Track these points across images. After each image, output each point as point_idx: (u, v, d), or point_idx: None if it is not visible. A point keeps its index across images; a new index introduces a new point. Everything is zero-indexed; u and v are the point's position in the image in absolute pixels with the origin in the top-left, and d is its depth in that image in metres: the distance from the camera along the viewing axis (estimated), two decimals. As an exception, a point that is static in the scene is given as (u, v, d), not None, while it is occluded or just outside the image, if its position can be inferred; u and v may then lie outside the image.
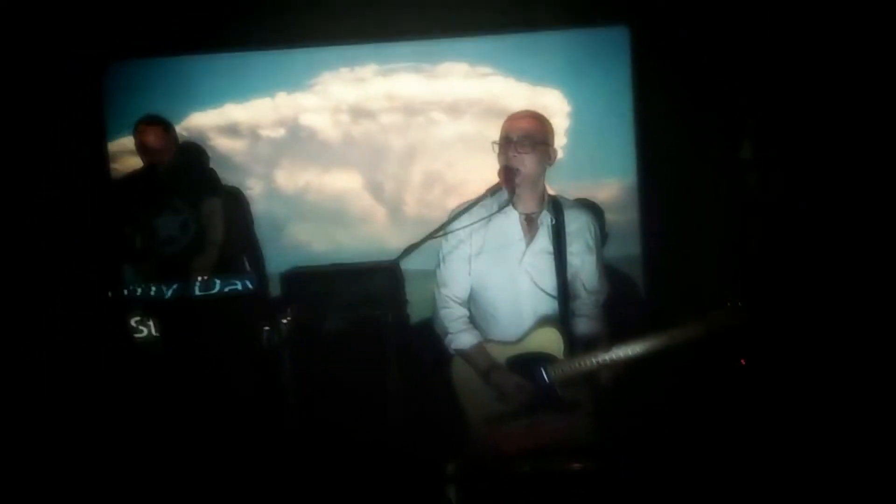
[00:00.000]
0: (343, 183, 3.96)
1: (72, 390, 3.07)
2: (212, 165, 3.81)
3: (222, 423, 3.09)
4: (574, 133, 3.91)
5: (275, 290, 3.64)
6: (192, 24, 3.69)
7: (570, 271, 2.36)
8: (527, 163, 2.27)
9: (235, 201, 3.84)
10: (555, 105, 3.87)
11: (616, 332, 2.39)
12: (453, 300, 2.39)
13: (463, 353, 2.36)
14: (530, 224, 2.36)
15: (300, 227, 3.96)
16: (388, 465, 2.71)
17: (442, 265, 2.42)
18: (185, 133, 3.70)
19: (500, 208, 2.30)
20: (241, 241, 3.71)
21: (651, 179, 4.00)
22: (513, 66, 3.89)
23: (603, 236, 2.57)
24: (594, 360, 2.25)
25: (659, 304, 3.84)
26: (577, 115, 3.93)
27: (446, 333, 2.38)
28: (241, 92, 3.91)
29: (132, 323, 2.96)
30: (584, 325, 2.41)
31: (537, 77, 3.89)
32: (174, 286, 2.94)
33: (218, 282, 3.00)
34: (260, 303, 3.65)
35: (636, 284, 3.84)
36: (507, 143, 2.29)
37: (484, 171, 2.37)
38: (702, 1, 3.73)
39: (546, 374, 2.29)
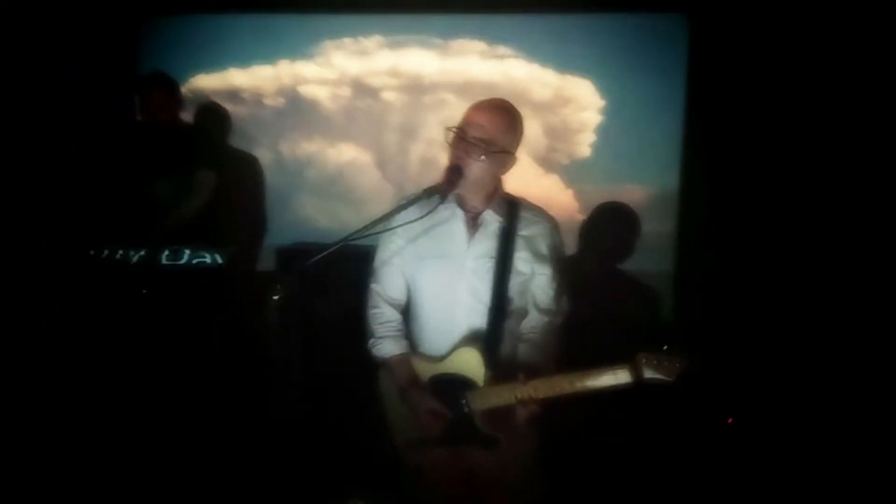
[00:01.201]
0: (349, 158, 3.73)
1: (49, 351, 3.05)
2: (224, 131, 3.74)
3: (200, 395, 3.02)
4: (605, 130, 3.54)
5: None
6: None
7: (515, 281, 2.04)
8: (475, 169, 1.97)
9: (242, 170, 3.72)
10: (585, 97, 3.50)
11: (565, 361, 2.06)
12: (385, 300, 2.13)
13: (385, 363, 2.11)
14: (475, 224, 2.06)
15: (304, 201, 3.77)
16: (373, 457, 2.46)
17: (378, 260, 2.15)
18: (190, 95, 3.57)
19: (438, 205, 1.97)
20: (241, 213, 3.59)
21: (695, 188, 3.54)
22: (537, 49, 3.50)
23: (560, 254, 2.20)
24: (514, 394, 1.91)
25: (687, 327, 3.45)
26: (610, 111, 3.53)
27: (371, 336, 2.13)
28: (244, 57, 3.71)
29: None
30: (523, 349, 2.07)
31: (565, 64, 3.49)
32: (140, 252, 2.88)
33: (187, 252, 2.92)
34: (252, 277, 3.59)
35: (659, 303, 3.45)
36: (460, 139, 1.97)
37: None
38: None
39: (466, 402, 2.00)
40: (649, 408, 2.44)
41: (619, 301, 3.34)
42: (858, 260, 3.16)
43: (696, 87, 3.48)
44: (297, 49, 3.66)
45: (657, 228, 3.49)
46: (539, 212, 2.13)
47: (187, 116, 3.51)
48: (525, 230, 2.06)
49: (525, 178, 3.49)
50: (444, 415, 2.01)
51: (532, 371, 1.96)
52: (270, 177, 3.74)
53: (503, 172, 2.06)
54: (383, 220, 1.99)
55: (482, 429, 2.00)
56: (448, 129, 1.99)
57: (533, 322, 2.10)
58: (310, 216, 3.73)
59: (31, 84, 3.36)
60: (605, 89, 3.52)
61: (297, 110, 3.74)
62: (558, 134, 3.57)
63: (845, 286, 3.12)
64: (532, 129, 3.54)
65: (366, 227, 1.95)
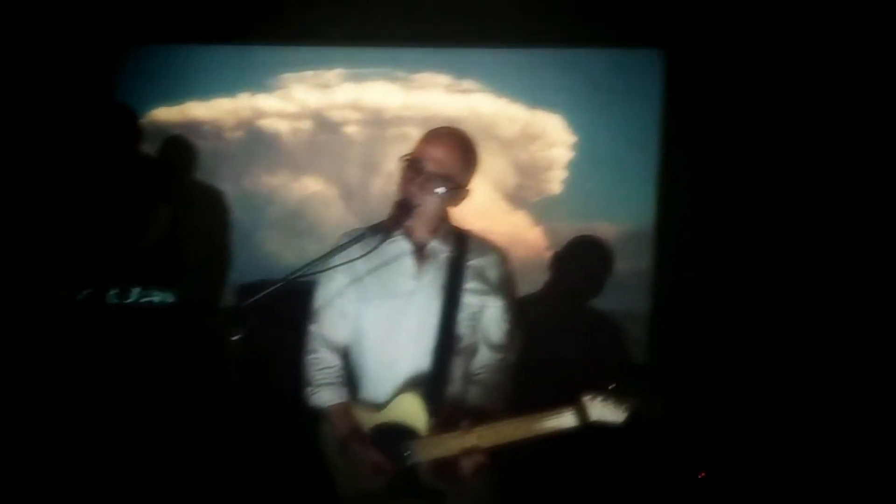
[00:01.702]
0: (312, 191, 3.63)
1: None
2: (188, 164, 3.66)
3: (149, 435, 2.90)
4: (576, 166, 3.44)
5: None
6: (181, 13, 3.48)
7: (465, 315, 1.95)
8: (429, 204, 1.90)
9: (205, 205, 3.64)
10: (555, 133, 3.41)
11: (520, 402, 1.94)
12: (325, 344, 2.01)
13: (325, 413, 1.99)
14: (422, 256, 1.97)
15: (267, 235, 3.62)
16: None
17: (318, 300, 2.03)
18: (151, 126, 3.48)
19: (383, 242, 1.87)
20: (202, 248, 3.52)
21: (670, 225, 3.44)
22: (505, 83, 3.41)
23: (511, 286, 2.11)
24: (459, 444, 1.80)
25: (661, 369, 3.34)
26: (581, 147, 3.44)
27: (308, 384, 2.00)
28: (203, 89, 3.61)
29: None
30: (473, 391, 1.96)
31: (535, 98, 3.41)
32: (87, 291, 2.77)
33: (136, 291, 2.81)
34: (215, 313, 3.47)
35: (626, 343, 3.34)
36: (415, 171, 1.89)
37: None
38: (757, 25, 3.19)
39: (409, 453, 1.87)
40: (602, 450, 2.33)
41: (586, 338, 3.27)
42: (839, 302, 3.08)
43: (672, 122, 3.40)
44: (257, 81, 3.58)
45: (630, 267, 3.38)
46: (487, 242, 2.06)
47: (149, 148, 3.44)
48: (474, 260, 1.99)
49: (492, 215, 3.43)
50: (386, 468, 1.88)
51: (479, 416, 1.86)
52: (233, 211, 3.63)
53: (455, 205, 1.99)
54: (325, 259, 1.87)
55: (427, 482, 1.87)
56: (402, 158, 1.93)
57: (483, 360, 2.01)
58: (274, 251, 3.60)
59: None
60: (576, 125, 3.43)
61: (257, 144, 3.65)
62: (527, 170, 3.49)
63: (828, 328, 3.04)
64: (499, 165, 3.46)
65: (307, 266, 1.83)
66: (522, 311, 2.74)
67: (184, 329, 3.03)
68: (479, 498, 1.97)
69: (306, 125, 3.59)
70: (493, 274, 2.00)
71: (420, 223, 1.95)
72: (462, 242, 2.00)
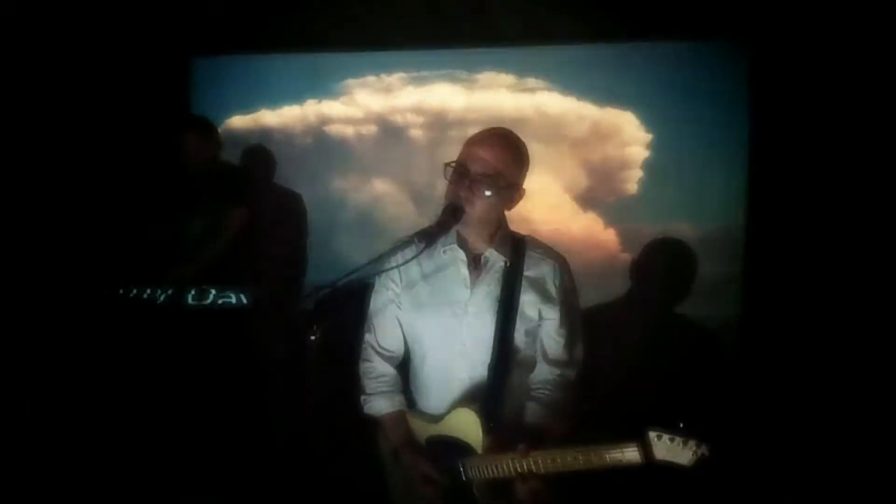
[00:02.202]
0: (380, 194, 3.67)
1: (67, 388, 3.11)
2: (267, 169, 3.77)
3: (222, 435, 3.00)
4: (652, 165, 3.30)
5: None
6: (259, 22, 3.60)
7: (522, 329, 1.86)
8: (478, 206, 1.80)
9: (283, 208, 3.75)
10: (629, 131, 3.27)
11: (589, 428, 1.80)
12: (378, 352, 1.97)
13: (378, 421, 1.96)
14: (477, 266, 1.88)
15: (341, 238, 3.70)
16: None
17: (372, 308, 1.98)
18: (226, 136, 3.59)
19: (433, 245, 1.82)
20: (278, 251, 3.59)
21: (762, 225, 3.23)
22: (572, 80, 3.30)
23: (572, 296, 1.97)
24: (514, 466, 1.71)
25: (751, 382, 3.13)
26: (657, 144, 3.29)
27: (362, 392, 1.98)
28: (272, 98, 3.74)
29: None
30: (531, 409, 1.86)
31: (606, 96, 3.28)
32: (168, 292, 2.89)
33: (213, 293, 2.91)
34: (289, 316, 3.54)
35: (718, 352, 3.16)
36: (461, 176, 1.80)
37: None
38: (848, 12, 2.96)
39: (463, 470, 1.82)
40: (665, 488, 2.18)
41: (673, 350, 3.09)
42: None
43: (761, 116, 3.20)
44: (323, 88, 3.66)
45: (714, 271, 3.17)
46: (546, 250, 1.95)
47: (229, 156, 3.57)
48: (531, 270, 1.89)
49: (562, 217, 3.34)
50: (439, 481, 1.83)
51: (536, 437, 1.77)
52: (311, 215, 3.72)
53: (510, 207, 1.89)
54: (376, 263, 1.82)
55: (481, 499, 1.81)
56: (446, 164, 1.84)
57: (542, 375, 1.91)
58: (347, 253, 3.66)
59: (72, 119, 3.47)
60: (651, 122, 3.29)
61: (326, 149, 3.72)
62: (599, 170, 3.38)
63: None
64: (568, 165, 3.37)
65: (359, 270, 1.78)
66: (599, 320, 2.65)
67: (259, 330, 3.11)
68: None
69: (372, 129, 3.64)
70: (551, 285, 1.90)
71: (474, 231, 1.88)
72: (520, 251, 1.90)
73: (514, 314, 1.85)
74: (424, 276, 1.90)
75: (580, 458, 1.66)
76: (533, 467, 1.70)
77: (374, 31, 3.42)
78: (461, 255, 1.88)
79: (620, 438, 1.62)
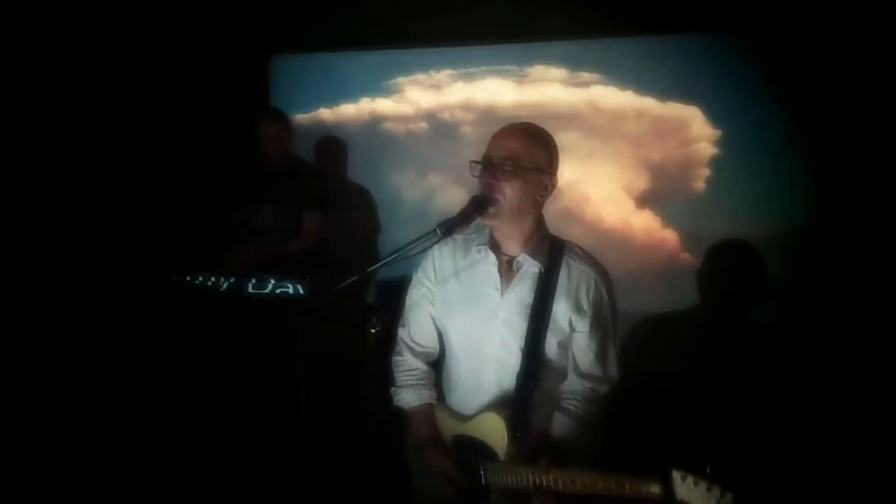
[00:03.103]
0: (436, 188, 3.71)
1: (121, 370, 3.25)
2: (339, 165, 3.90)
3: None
4: (718, 162, 3.15)
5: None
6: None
7: (554, 340, 1.82)
8: (506, 191, 1.75)
9: (357, 205, 3.87)
10: (694, 127, 3.12)
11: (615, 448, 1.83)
12: (409, 347, 2.01)
13: (407, 413, 2.00)
14: (510, 269, 1.85)
15: (398, 232, 3.70)
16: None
17: (406, 303, 2.03)
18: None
19: (450, 235, 1.77)
20: (348, 245, 3.70)
21: (832, 227, 3.02)
22: (631, 73, 3.19)
23: (608, 309, 1.89)
24: (533, 479, 1.71)
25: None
26: (727, 141, 3.13)
27: (392, 385, 2.03)
28: (329, 96, 3.85)
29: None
30: (558, 421, 1.83)
31: (666, 89, 3.14)
32: (231, 280, 3.02)
33: (272, 282, 3.02)
34: (356, 307, 3.63)
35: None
36: (486, 166, 1.79)
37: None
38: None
39: (483, 474, 1.83)
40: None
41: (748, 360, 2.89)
42: None
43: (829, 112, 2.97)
44: (375, 85, 3.75)
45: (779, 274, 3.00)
46: (586, 259, 1.88)
47: (302, 150, 3.71)
48: (566, 279, 1.83)
49: (619, 215, 3.24)
50: (457, 481, 1.86)
51: (561, 451, 1.76)
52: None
53: (543, 197, 1.84)
54: (402, 252, 1.80)
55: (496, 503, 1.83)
56: (472, 162, 1.82)
57: (573, 387, 1.87)
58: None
59: (150, 110, 3.68)
60: (716, 116, 3.14)
61: (380, 146, 3.81)
62: (660, 167, 3.24)
63: None
64: (625, 161, 3.26)
65: (385, 260, 1.81)
66: (661, 328, 2.51)
67: (317, 321, 3.20)
68: None
69: (423, 126, 3.69)
70: (584, 297, 1.83)
71: (508, 229, 1.84)
72: (557, 256, 1.84)
73: (546, 323, 1.81)
74: (457, 275, 1.90)
75: (600, 483, 1.64)
76: (552, 484, 1.69)
77: (420, 28, 3.45)
78: (492, 257, 1.86)
79: (644, 471, 1.59)
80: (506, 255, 1.86)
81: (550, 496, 1.70)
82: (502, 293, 1.85)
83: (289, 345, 3.16)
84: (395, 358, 2.04)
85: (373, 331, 3.03)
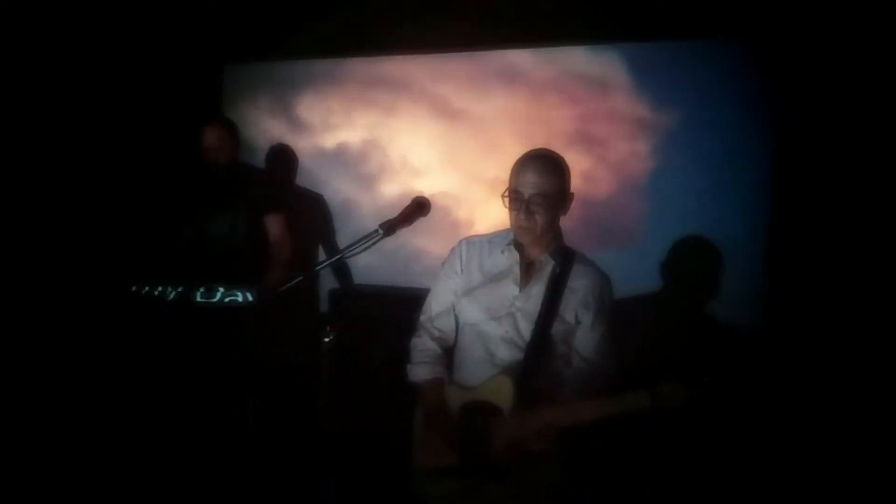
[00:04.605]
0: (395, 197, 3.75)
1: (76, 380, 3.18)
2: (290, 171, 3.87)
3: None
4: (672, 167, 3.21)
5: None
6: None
7: (558, 328, 2.12)
8: (538, 221, 2.07)
9: (311, 210, 3.86)
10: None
11: None
12: (427, 330, 2.27)
13: (418, 388, 2.22)
14: (530, 269, 2.16)
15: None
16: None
17: (432, 293, 2.29)
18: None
19: (391, 235, 1.97)
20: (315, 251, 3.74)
21: (786, 228, 3.10)
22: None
23: (608, 308, 2.21)
24: (533, 422, 2.00)
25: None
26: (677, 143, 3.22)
27: (408, 363, 2.25)
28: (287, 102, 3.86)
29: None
30: (563, 391, 2.10)
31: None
32: (178, 289, 2.93)
33: (221, 290, 2.93)
34: (311, 316, 3.58)
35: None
36: (518, 200, 2.07)
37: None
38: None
39: (489, 432, 2.05)
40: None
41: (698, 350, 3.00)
42: None
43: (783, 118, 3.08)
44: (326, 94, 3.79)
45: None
46: (592, 265, 2.20)
47: (252, 158, 3.67)
48: (575, 280, 2.14)
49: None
50: (463, 444, 2.07)
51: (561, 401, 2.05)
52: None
53: (565, 212, 2.15)
54: (349, 249, 1.94)
55: (496, 462, 2.03)
56: (503, 195, 2.09)
57: (578, 369, 2.15)
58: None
59: (102, 121, 3.62)
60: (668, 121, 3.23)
61: (332, 153, 3.83)
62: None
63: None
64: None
65: (335, 258, 2.02)
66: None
67: (269, 329, 3.14)
68: (548, 481, 2.10)
69: (373, 132, 3.84)
70: (590, 295, 2.14)
71: (531, 242, 2.13)
72: (569, 261, 2.15)
73: (556, 312, 2.11)
74: (482, 271, 2.18)
75: (597, 407, 1.96)
76: (552, 419, 1.98)
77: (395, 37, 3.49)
78: (516, 256, 2.15)
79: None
80: (528, 258, 2.16)
81: (551, 435, 1.99)
82: (521, 287, 2.14)
83: (239, 354, 3.15)
84: (414, 339, 2.27)
85: (326, 339, 2.98)
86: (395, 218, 1.93)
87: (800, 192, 3.05)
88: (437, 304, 2.26)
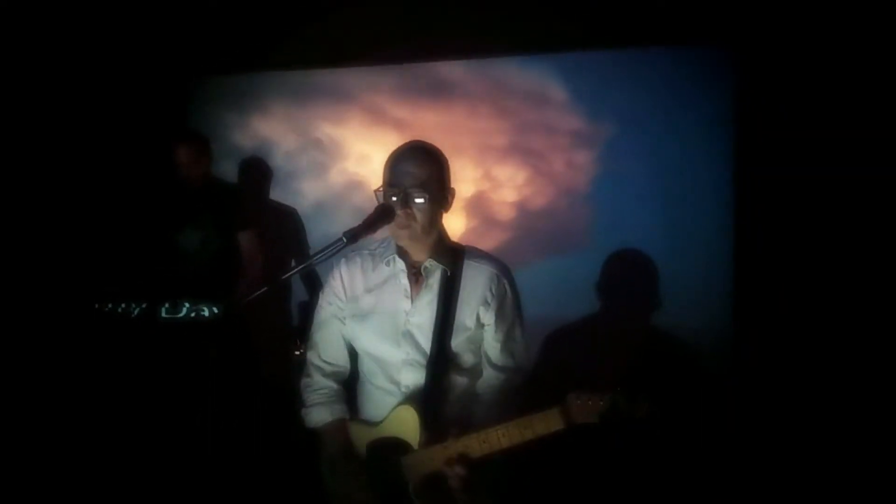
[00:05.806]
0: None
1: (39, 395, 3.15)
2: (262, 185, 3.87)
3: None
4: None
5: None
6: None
7: (460, 337, 1.89)
8: (419, 216, 1.82)
9: (283, 224, 3.82)
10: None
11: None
12: (319, 367, 2.02)
13: (319, 433, 1.98)
14: (418, 277, 1.92)
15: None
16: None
17: (315, 324, 2.04)
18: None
19: (355, 242, 1.78)
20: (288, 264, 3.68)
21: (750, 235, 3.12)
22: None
23: (512, 302, 1.98)
24: (444, 453, 1.76)
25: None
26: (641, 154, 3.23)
27: (302, 406, 2.01)
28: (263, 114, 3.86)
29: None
30: (476, 409, 1.89)
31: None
32: (142, 306, 2.93)
33: (186, 306, 2.93)
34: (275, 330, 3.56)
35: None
36: (395, 194, 1.82)
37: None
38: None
39: (402, 470, 1.83)
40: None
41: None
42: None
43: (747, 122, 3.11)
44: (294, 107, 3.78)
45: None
46: (485, 257, 1.97)
47: (225, 172, 3.66)
48: (469, 279, 1.92)
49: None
50: (375, 488, 1.86)
51: (469, 426, 1.81)
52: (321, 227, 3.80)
53: (447, 209, 1.91)
54: (308, 264, 1.81)
55: (416, 499, 1.82)
56: (376, 191, 1.86)
57: (488, 381, 1.94)
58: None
59: (67, 132, 3.58)
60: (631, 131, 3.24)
61: (304, 167, 3.81)
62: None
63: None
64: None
65: (294, 270, 1.81)
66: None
67: (236, 344, 3.12)
68: None
69: (344, 145, 3.82)
70: (488, 291, 1.91)
71: (416, 242, 1.89)
72: (458, 260, 1.92)
73: (452, 320, 1.88)
74: (368, 290, 1.95)
75: (508, 431, 1.73)
76: (463, 450, 1.75)
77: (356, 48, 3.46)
78: (401, 265, 1.92)
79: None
80: (413, 263, 1.92)
81: (461, 465, 1.74)
82: (413, 300, 1.91)
83: (206, 369, 3.13)
84: (304, 380, 2.03)
85: (297, 353, 2.97)
86: (359, 226, 1.79)
87: (761, 194, 3.07)
88: (321, 336, 2.03)
